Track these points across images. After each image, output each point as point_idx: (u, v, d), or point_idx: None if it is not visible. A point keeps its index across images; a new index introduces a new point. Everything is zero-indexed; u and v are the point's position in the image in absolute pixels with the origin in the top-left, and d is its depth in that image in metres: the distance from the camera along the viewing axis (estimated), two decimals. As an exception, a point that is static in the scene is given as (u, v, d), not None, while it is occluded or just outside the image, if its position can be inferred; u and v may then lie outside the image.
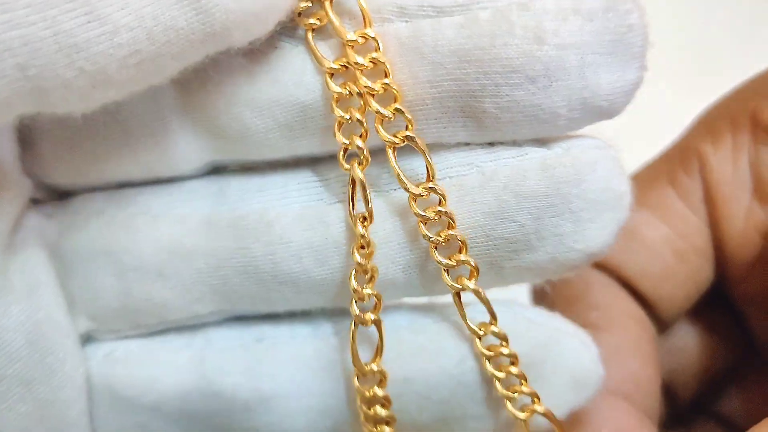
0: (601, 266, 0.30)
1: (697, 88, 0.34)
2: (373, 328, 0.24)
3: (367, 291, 0.24)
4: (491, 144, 0.23)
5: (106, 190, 0.26)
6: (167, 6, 0.19)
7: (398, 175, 0.23)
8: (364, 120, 0.23)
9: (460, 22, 0.22)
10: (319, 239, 0.24)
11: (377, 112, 0.22)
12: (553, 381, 0.24)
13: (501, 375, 0.24)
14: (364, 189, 0.23)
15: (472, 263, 0.23)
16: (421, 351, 0.25)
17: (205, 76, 0.23)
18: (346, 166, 0.23)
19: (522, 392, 0.24)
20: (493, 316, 0.24)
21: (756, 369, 0.31)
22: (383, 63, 0.22)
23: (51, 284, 0.25)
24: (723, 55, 0.50)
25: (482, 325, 0.24)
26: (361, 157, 0.23)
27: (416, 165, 0.23)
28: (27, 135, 0.24)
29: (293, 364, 0.25)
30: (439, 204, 0.23)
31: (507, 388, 0.24)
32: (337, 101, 0.23)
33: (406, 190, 0.23)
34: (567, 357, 0.24)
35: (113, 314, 0.26)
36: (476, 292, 0.24)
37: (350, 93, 0.23)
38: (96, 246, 0.25)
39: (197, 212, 0.25)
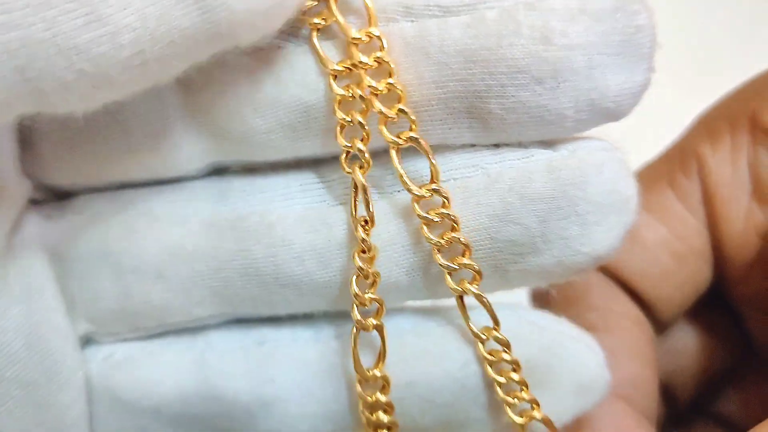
0: (600, 267, 0.29)
1: (697, 88, 0.34)
2: (375, 333, 0.24)
3: (369, 296, 0.24)
4: (497, 145, 0.23)
5: (106, 191, 0.26)
6: (171, 6, 0.19)
7: (401, 176, 0.23)
8: (365, 123, 0.22)
9: (466, 22, 0.21)
10: (322, 241, 0.24)
11: (380, 112, 0.22)
12: (559, 385, 0.24)
13: (502, 380, 0.24)
14: (365, 193, 0.23)
15: (475, 267, 0.23)
16: (425, 354, 0.25)
17: (209, 76, 0.23)
18: (348, 169, 0.23)
19: (522, 399, 0.24)
20: (496, 322, 0.24)
21: (754, 370, 0.31)
22: (388, 62, 0.22)
23: (50, 286, 0.25)
24: (723, 55, 0.50)
25: (485, 329, 0.24)
26: (363, 161, 0.23)
27: (420, 166, 0.23)
28: (27, 135, 0.24)
29: (295, 367, 0.25)
30: (443, 206, 0.23)
31: (507, 394, 0.24)
32: (339, 103, 0.22)
33: (409, 191, 0.23)
34: (572, 361, 0.24)
35: (112, 316, 0.25)
36: (478, 297, 0.23)
37: (353, 95, 0.22)
38: (96, 247, 0.25)
39: (198, 214, 0.25)
